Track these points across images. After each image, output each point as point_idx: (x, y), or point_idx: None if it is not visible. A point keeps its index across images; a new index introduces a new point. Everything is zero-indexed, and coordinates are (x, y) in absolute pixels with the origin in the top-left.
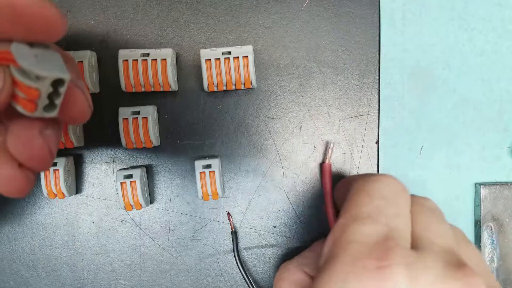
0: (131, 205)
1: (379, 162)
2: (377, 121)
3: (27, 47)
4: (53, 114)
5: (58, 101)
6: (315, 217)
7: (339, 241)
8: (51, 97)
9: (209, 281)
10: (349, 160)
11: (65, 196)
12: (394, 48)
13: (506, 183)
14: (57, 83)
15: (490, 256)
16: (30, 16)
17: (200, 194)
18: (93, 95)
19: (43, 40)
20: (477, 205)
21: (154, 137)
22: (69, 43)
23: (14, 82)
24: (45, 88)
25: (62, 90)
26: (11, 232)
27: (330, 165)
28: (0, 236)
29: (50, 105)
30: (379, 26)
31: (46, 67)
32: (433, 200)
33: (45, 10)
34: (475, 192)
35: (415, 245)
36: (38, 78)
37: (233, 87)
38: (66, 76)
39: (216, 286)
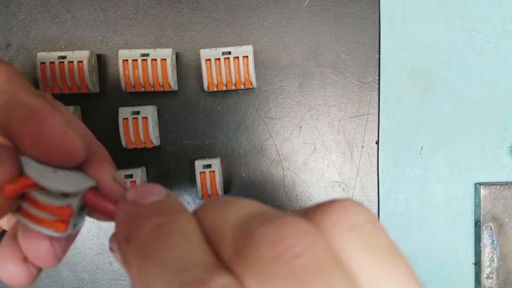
0: None
1: (379, 162)
2: (377, 121)
3: (39, 164)
4: (81, 225)
5: (84, 213)
6: None
7: None
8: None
9: None
10: (349, 160)
11: None
12: (394, 48)
13: (506, 183)
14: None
15: (490, 256)
16: (53, 144)
17: (200, 194)
18: (93, 95)
19: (59, 164)
20: (477, 205)
21: (154, 137)
22: (69, 43)
23: (37, 205)
24: (76, 203)
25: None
26: None
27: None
28: (0, 237)
29: (78, 220)
30: (379, 26)
31: (69, 180)
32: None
33: (68, 139)
34: (475, 192)
35: None
36: (66, 195)
37: (233, 87)
38: (92, 183)
39: None
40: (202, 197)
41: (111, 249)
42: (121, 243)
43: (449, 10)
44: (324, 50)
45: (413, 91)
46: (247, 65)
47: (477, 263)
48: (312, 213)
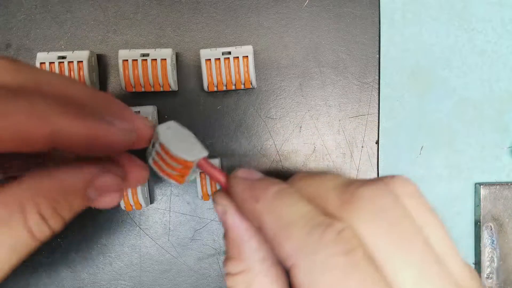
0: (131, 205)
1: (379, 162)
2: (377, 121)
3: (170, 132)
4: (192, 178)
5: (196, 172)
6: None
7: None
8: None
9: (209, 281)
10: (349, 160)
11: None
12: (394, 48)
13: (506, 183)
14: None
15: (490, 256)
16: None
17: (200, 194)
18: None
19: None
20: (477, 205)
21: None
22: (69, 43)
23: (170, 156)
24: (195, 164)
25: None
26: None
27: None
28: None
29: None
30: (379, 26)
31: (191, 150)
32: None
33: (150, 131)
34: (475, 192)
35: None
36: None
37: (233, 87)
38: (205, 153)
39: (216, 286)
40: (202, 197)
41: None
42: (249, 202)
43: (449, 10)
44: (324, 50)
45: (413, 91)
46: (247, 65)
47: (477, 263)
48: (382, 180)
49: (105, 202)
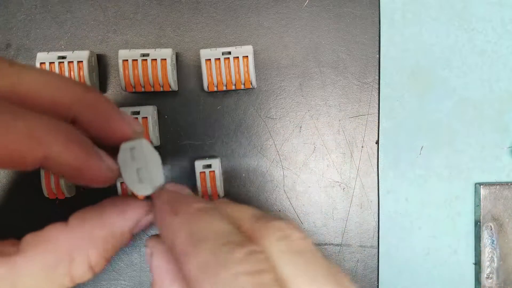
0: None
1: (379, 162)
2: (377, 121)
3: (131, 158)
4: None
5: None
6: (315, 217)
7: None
8: None
9: None
10: (349, 160)
11: (64, 195)
12: (394, 48)
13: (506, 183)
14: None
15: (490, 256)
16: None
17: (200, 194)
18: None
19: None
20: (477, 205)
21: (154, 137)
22: (69, 43)
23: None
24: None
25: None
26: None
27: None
28: (0, 237)
29: None
30: (379, 26)
31: (144, 181)
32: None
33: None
34: (475, 192)
35: None
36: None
37: (233, 87)
38: (162, 183)
39: None
40: (202, 197)
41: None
42: (168, 215)
43: (449, 10)
44: (324, 50)
45: (413, 91)
46: (247, 65)
47: (477, 263)
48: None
49: None
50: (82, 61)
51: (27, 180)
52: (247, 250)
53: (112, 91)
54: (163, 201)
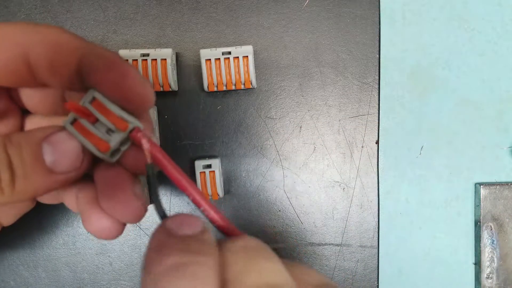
0: None
1: (379, 162)
2: (377, 121)
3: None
4: (114, 159)
5: (123, 148)
6: (315, 217)
7: None
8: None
9: None
10: (349, 160)
11: None
12: (394, 48)
13: (506, 183)
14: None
15: (490, 256)
16: (134, 92)
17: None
18: None
19: (132, 109)
20: (477, 205)
21: (154, 137)
22: None
23: (102, 109)
24: (129, 129)
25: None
26: (11, 233)
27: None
28: (0, 237)
29: (116, 152)
30: (379, 26)
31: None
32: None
33: (146, 91)
34: (475, 192)
35: None
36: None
37: (233, 87)
38: (140, 124)
39: None
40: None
41: None
42: (142, 269)
43: (449, 10)
44: (324, 50)
45: (413, 91)
46: (247, 65)
47: (477, 263)
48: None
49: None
50: None
51: None
52: None
53: None
54: (149, 246)
